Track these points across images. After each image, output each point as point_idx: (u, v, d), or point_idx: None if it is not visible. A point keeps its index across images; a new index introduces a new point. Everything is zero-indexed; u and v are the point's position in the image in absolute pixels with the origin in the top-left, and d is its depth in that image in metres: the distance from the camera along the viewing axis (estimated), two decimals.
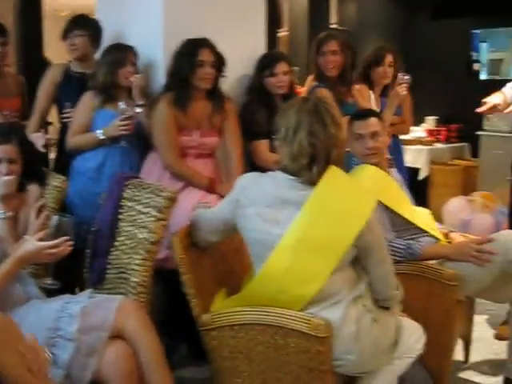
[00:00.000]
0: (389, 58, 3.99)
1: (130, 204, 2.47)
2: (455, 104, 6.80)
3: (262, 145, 3.32)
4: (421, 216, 2.92)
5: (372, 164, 2.84)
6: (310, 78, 4.02)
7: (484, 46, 6.97)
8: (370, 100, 3.97)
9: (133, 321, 2.14)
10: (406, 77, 3.78)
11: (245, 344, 2.19)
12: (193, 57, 3.05)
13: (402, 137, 5.78)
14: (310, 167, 2.10)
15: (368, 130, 2.83)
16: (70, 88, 3.52)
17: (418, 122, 6.61)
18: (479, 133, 6.32)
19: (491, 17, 6.52)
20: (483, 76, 6.94)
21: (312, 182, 2.10)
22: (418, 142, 6.37)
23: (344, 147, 2.27)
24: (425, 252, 2.67)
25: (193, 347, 3.07)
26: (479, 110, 3.46)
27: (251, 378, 2.23)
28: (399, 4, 7.20)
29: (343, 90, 3.77)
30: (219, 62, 3.15)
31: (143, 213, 2.37)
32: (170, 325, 2.94)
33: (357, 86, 4.03)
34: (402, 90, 3.78)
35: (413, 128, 6.09)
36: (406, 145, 5.80)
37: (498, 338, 3.48)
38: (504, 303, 3.03)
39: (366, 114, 2.96)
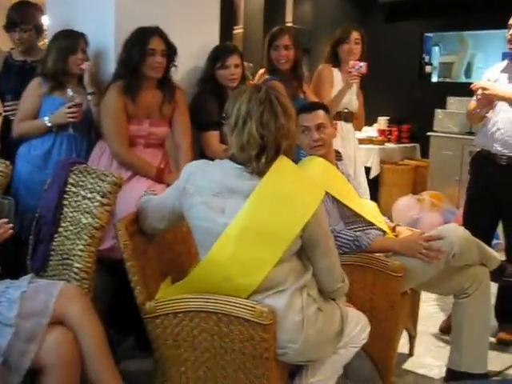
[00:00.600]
0: (354, 35, 3.99)
1: (74, 189, 2.42)
2: (407, 105, 6.92)
3: (213, 136, 3.31)
4: (368, 208, 2.95)
5: (319, 156, 2.86)
6: (261, 71, 4.02)
7: (436, 49, 7.10)
8: (333, 79, 3.99)
9: (75, 307, 2.10)
10: (358, 66, 3.74)
11: (189, 332, 2.18)
12: (143, 45, 3.01)
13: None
14: (258, 157, 2.08)
15: (314, 122, 2.85)
16: (10, 76, 3.48)
17: (371, 122, 6.70)
18: (429, 133, 6.44)
19: (443, 21, 6.66)
20: (434, 78, 7.09)
21: (260, 173, 2.09)
22: (369, 141, 6.45)
23: (295, 138, 2.25)
24: (373, 245, 2.69)
25: (140, 339, 3.03)
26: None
27: (195, 367, 2.22)
28: (354, 5, 7.28)
29: (295, 85, 3.78)
30: (170, 51, 3.12)
31: (88, 198, 2.33)
32: (117, 317, 2.91)
33: (320, 67, 4.05)
34: (352, 79, 3.78)
35: (365, 128, 6.18)
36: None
37: (443, 331, 3.54)
38: (448, 296, 3.08)
39: (312, 106, 2.98)
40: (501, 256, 3.07)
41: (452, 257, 2.66)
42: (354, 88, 4.03)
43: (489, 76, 3.54)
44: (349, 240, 2.67)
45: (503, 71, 3.46)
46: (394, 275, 2.61)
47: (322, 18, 7.04)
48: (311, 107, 2.95)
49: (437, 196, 5.67)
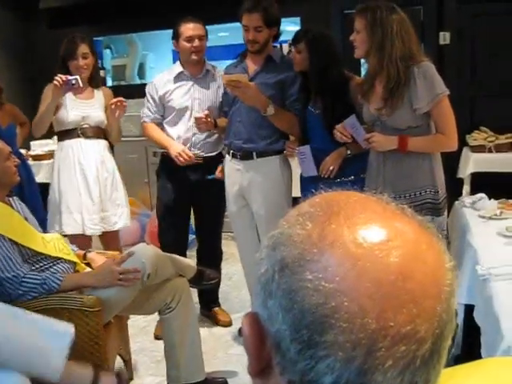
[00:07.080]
0: (82, 49, 3.61)
1: None
2: None
3: None
4: (52, 242, 2.72)
5: None
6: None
7: (107, 52, 6.97)
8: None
9: None
10: (70, 81, 3.37)
11: None
12: None
13: None
14: None
15: None
16: None
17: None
18: None
19: (112, 24, 6.56)
20: (109, 82, 6.82)
21: None
22: None
23: None
24: (64, 284, 2.50)
25: None
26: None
27: None
28: (13, 11, 6.81)
29: None
30: None
31: None
32: None
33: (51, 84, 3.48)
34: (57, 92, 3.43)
35: None
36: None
37: (157, 338, 3.49)
38: (153, 314, 3.03)
39: None
40: None
41: (147, 278, 2.59)
42: (95, 103, 3.71)
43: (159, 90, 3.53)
44: (36, 284, 2.43)
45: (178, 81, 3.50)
46: (92, 311, 2.44)
47: None
48: None
49: (132, 202, 5.58)
